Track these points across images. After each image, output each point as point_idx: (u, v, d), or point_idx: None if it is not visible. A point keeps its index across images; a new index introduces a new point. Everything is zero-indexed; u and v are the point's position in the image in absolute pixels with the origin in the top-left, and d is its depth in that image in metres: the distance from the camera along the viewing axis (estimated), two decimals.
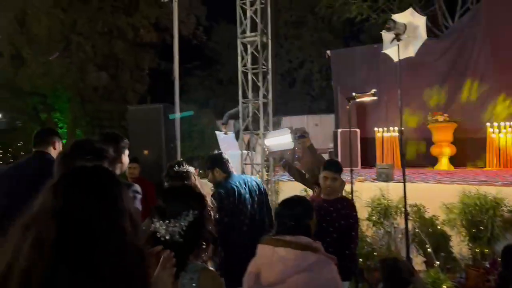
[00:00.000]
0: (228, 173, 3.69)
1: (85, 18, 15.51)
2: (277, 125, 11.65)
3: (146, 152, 6.44)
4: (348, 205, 3.40)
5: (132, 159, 5.97)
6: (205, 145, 15.92)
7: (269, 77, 6.33)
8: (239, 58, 6.43)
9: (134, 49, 17.82)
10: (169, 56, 16.49)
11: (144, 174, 5.97)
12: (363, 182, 7.43)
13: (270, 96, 6.34)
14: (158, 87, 18.78)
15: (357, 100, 5.49)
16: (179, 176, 3.15)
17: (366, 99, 5.53)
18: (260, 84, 6.22)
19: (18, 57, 15.91)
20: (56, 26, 14.63)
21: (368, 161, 11.82)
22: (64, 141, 17.21)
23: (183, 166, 3.31)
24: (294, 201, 2.41)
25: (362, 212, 6.88)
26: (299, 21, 19.40)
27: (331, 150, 13.89)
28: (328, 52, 14.54)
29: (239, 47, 6.43)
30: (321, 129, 16.05)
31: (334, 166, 3.52)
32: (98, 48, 16.54)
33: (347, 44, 18.55)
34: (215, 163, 3.75)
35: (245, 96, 6.51)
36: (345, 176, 3.92)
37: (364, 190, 6.97)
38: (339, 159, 12.92)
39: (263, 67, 6.27)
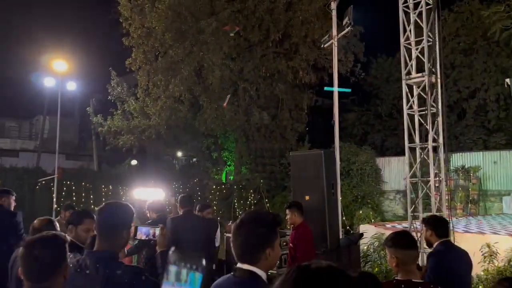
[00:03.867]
0: None
1: (250, 65, 16.94)
2: (446, 163, 10.55)
3: (307, 197, 6.45)
4: None
5: (292, 205, 6.05)
6: (365, 182, 15.37)
7: (439, 119, 5.77)
8: (404, 101, 6.06)
9: (293, 90, 18.64)
10: (326, 93, 16.76)
11: (306, 220, 5.95)
12: None
13: (441, 139, 5.76)
14: (316, 123, 19.16)
15: None
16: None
17: None
18: (429, 127, 5.71)
19: (196, 104, 18.19)
20: (226, 74, 16.30)
21: None
22: (231, 177, 18.78)
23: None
24: None
25: None
26: (469, 47, 17.64)
27: None
28: (507, 80, 12.81)
29: (404, 89, 6.07)
30: (501, 167, 13.95)
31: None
32: (261, 91, 17.80)
33: None
34: None
35: (411, 140, 6.06)
36: None
37: None
38: None
39: (432, 108, 5.76)
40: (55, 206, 13.74)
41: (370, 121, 20.97)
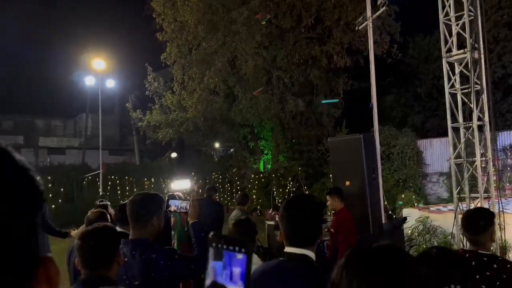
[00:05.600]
0: None
1: (283, 53, 16.82)
2: (493, 142, 10.09)
3: (347, 183, 6.40)
4: None
5: (333, 190, 6.02)
6: (406, 166, 15.00)
7: (484, 96, 5.53)
8: (446, 79, 5.84)
9: (328, 75, 18.37)
10: (362, 76, 16.39)
11: (347, 206, 5.90)
12: None
13: (486, 118, 5.53)
14: (352, 108, 18.82)
15: None
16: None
17: None
18: (473, 105, 5.49)
19: (231, 95, 18.32)
20: (260, 63, 16.27)
21: None
22: (269, 166, 18.85)
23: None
24: None
25: None
26: None
27: None
28: None
29: (445, 67, 5.85)
30: None
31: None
32: (295, 78, 17.67)
33: None
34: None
35: (454, 119, 5.85)
36: None
37: None
38: None
39: (476, 85, 5.52)
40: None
41: (409, 103, 20.39)
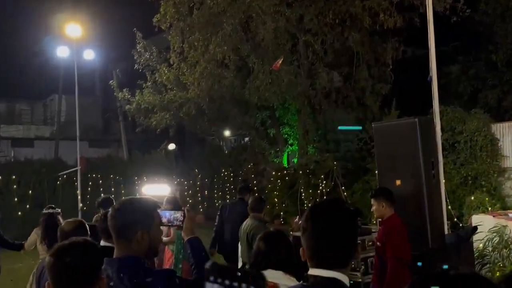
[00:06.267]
0: None
1: (312, 11, 16.67)
2: None
3: (398, 182, 6.36)
4: None
5: (379, 192, 5.97)
6: (477, 158, 14.81)
7: None
8: None
9: (372, 39, 18.19)
10: (418, 41, 16.19)
11: (398, 211, 5.86)
12: None
13: None
14: (405, 83, 18.66)
15: None
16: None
17: None
18: None
19: (244, 68, 18.30)
20: (282, 25, 16.18)
21: None
22: (295, 160, 18.87)
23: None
24: None
25: None
26: None
27: None
28: None
29: None
30: None
31: None
32: (328, 44, 17.55)
33: None
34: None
35: None
36: None
37: None
38: None
39: None
40: (80, 204, 14.56)
41: (481, 74, 20.12)
